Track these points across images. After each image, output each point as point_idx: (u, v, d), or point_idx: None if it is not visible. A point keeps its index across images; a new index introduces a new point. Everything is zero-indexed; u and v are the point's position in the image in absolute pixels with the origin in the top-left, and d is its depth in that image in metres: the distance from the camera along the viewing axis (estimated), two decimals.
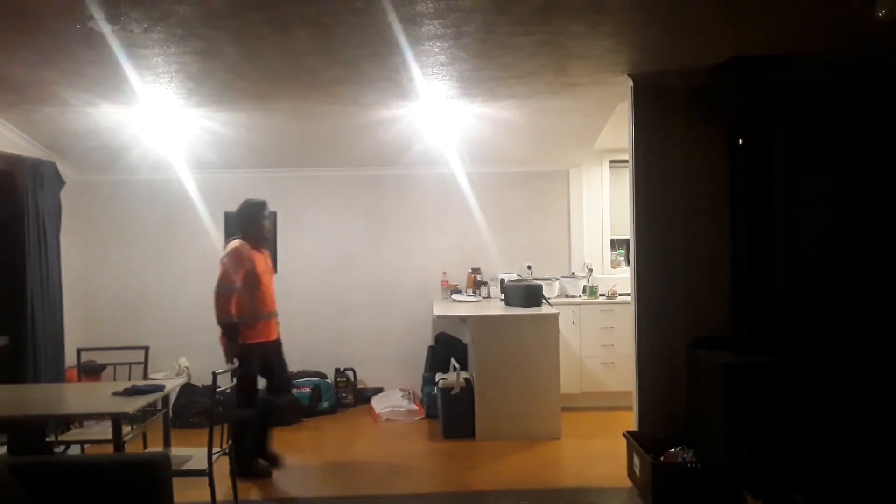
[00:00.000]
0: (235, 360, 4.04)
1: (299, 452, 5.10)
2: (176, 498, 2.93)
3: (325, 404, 6.03)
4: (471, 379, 5.26)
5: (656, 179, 4.25)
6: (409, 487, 4.22)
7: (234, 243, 4.39)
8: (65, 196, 5.56)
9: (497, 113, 4.96)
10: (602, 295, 6.11)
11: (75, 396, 4.03)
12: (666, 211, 4.24)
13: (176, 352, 6.08)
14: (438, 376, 5.61)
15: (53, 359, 5.23)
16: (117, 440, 3.33)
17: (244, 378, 4.10)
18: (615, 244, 6.56)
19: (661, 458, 3.82)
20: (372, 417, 5.87)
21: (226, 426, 3.70)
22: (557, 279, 6.23)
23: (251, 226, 4.48)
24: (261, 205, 4.54)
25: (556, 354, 5.13)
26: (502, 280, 6.00)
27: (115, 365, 5.12)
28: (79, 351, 4.73)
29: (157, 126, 5.09)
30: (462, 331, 6.06)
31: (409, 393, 6.18)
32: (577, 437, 5.13)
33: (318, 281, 6.51)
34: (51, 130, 5.16)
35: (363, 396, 6.29)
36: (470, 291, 6.32)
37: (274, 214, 6.49)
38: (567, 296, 6.16)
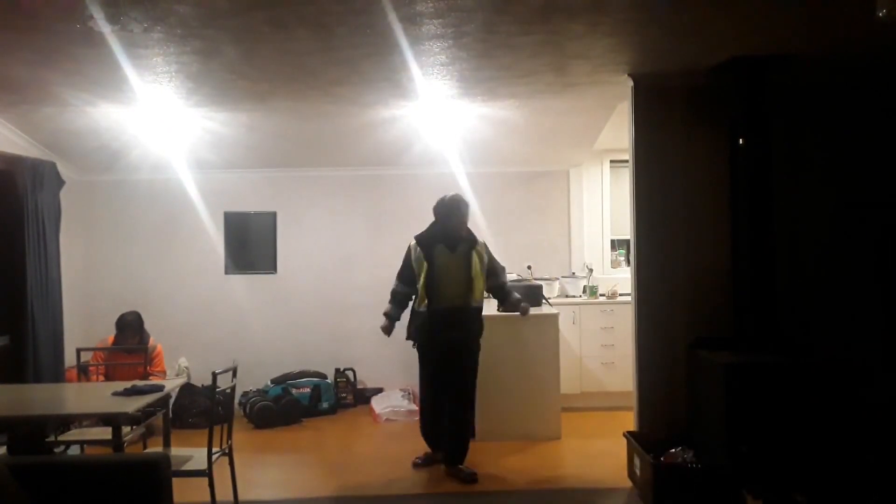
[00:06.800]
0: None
1: (299, 452, 5.11)
2: (176, 498, 2.93)
3: (325, 404, 6.03)
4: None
5: (656, 179, 4.25)
6: (409, 487, 4.22)
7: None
8: (64, 196, 5.55)
9: (497, 113, 4.96)
10: (602, 295, 6.11)
11: (75, 396, 4.04)
12: (666, 211, 4.23)
13: (176, 352, 6.07)
14: None
15: (53, 359, 5.22)
16: (117, 440, 3.32)
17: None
18: (615, 244, 6.56)
19: (661, 459, 3.81)
20: (372, 417, 5.87)
21: (225, 426, 3.70)
22: (557, 279, 6.23)
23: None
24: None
25: (556, 354, 5.12)
26: None
27: (114, 365, 5.13)
28: (78, 351, 4.73)
29: (157, 126, 5.09)
30: None
31: (409, 393, 6.17)
32: (577, 437, 5.13)
33: (318, 281, 6.51)
34: (50, 130, 5.15)
35: (363, 396, 6.29)
36: None
37: (273, 215, 6.52)
38: (567, 296, 6.16)
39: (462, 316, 4.35)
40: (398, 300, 4.60)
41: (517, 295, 4.72)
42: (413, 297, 4.50)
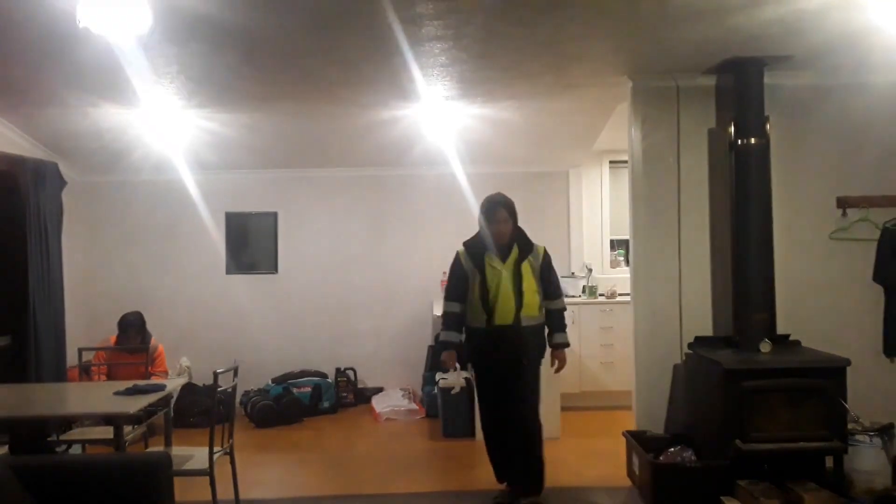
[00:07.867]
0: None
1: (300, 452, 5.12)
2: (177, 497, 2.95)
3: (326, 404, 6.04)
4: (471, 379, 5.26)
5: (655, 179, 4.26)
6: (409, 487, 4.23)
7: None
8: (66, 197, 5.57)
9: (497, 114, 4.97)
10: (601, 295, 6.11)
11: (77, 396, 4.05)
12: (665, 211, 4.24)
13: (177, 352, 6.08)
14: (438, 376, 5.62)
15: (55, 358, 5.24)
16: (118, 440, 3.34)
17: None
18: (615, 244, 6.56)
19: (661, 458, 3.82)
20: (372, 417, 5.89)
21: (226, 426, 3.71)
22: None
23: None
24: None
25: None
26: None
27: (116, 364, 5.14)
28: (80, 351, 4.74)
29: (159, 127, 5.10)
30: None
31: (410, 392, 6.19)
32: (577, 436, 5.14)
33: (318, 281, 6.52)
34: (52, 131, 5.17)
35: (363, 396, 6.30)
36: None
37: (274, 215, 6.54)
38: (566, 295, 6.14)
39: (513, 335, 3.68)
40: (454, 322, 3.81)
41: (562, 335, 3.86)
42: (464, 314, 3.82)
